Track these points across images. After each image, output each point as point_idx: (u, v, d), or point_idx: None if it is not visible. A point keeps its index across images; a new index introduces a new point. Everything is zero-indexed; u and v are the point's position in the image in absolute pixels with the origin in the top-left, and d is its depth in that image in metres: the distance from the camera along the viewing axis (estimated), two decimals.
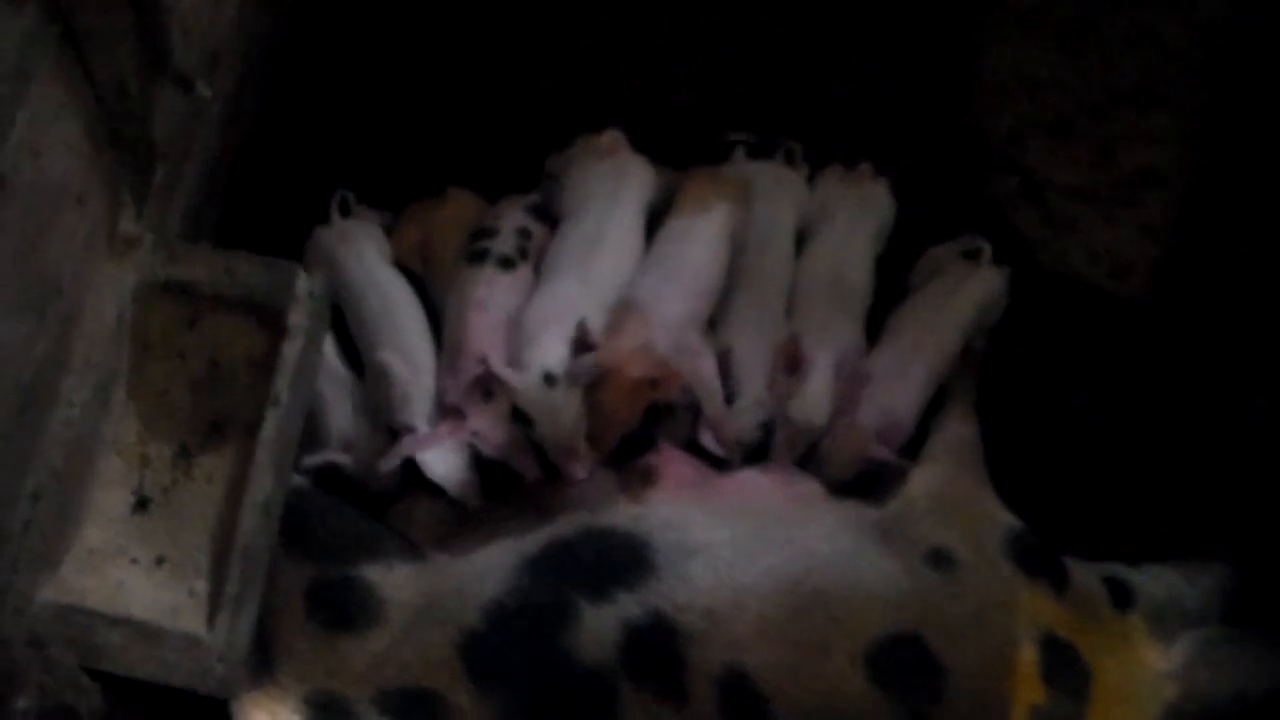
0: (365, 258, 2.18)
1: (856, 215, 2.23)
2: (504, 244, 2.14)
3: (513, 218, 2.19)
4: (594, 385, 1.95)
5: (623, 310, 2.03)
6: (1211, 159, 2.39)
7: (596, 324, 2.01)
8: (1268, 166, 2.34)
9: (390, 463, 1.98)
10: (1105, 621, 1.92)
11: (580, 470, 1.96)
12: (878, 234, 2.25)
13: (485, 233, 2.16)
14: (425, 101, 2.41)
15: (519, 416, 1.97)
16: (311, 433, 2.02)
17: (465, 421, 1.98)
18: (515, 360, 1.98)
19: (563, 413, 1.94)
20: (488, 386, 2.00)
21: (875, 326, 2.19)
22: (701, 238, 2.12)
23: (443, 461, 1.99)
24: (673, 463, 2.01)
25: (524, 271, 2.13)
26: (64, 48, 1.50)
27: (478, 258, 2.12)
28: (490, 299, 2.07)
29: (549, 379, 1.95)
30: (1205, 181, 2.38)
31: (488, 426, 1.98)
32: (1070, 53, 2.44)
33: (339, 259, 2.16)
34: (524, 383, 1.94)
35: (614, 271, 2.10)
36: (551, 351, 1.97)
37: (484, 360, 1.98)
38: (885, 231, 2.27)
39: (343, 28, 2.41)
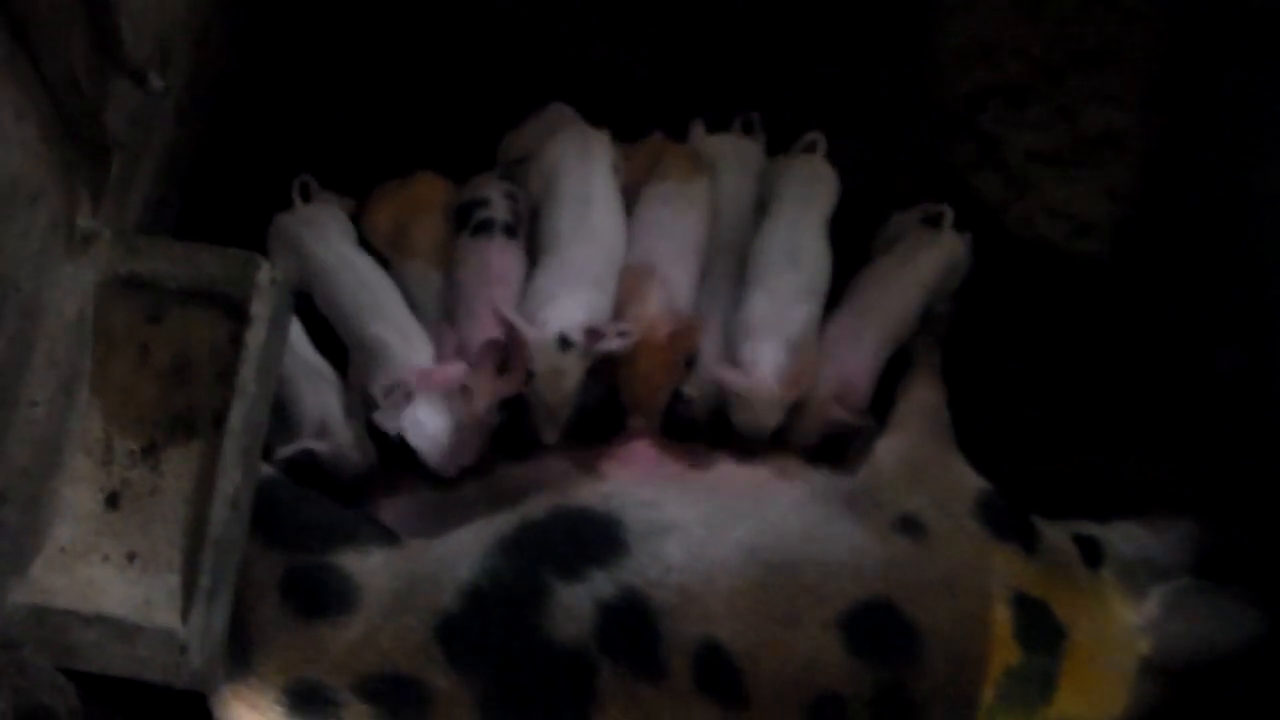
0: (332, 240, 2.18)
1: (805, 190, 2.22)
2: (502, 211, 2.16)
3: (496, 185, 2.20)
4: (628, 357, 1.99)
5: (636, 275, 2.06)
6: (1170, 119, 2.40)
7: (608, 284, 2.07)
8: (1225, 125, 2.35)
9: (389, 413, 1.99)
10: (1077, 579, 1.93)
11: (553, 436, 2.01)
12: (828, 208, 2.24)
13: (478, 203, 2.17)
14: (383, 84, 2.40)
15: (525, 372, 2.00)
16: (283, 422, 2.02)
17: (463, 371, 2.00)
18: (531, 317, 2.01)
19: (568, 377, 1.99)
20: (501, 355, 2.03)
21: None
22: (694, 203, 2.15)
23: (432, 421, 2.00)
24: (643, 445, 2.03)
25: (522, 238, 2.16)
26: (13, 44, 1.48)
27: (484, 229, 2.14)
28: (507, 269, 2.11)
29: (564, 342, 1.98)
30: (1165, 141, 2.39)
31: (481, 389, 2.00)
32: (1027, 16, 2.44)
33: (305, 243, 2.16)
34: (539, 339, 1.97)
35: (612, 225, 2.14)
36: (568, 313, 2.00)
37: (502, 319, 2.01)
38: (833, 205, 2.26)
39: (296, 13, 2.39)
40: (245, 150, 2.30)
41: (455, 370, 2.01)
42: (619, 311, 2.06)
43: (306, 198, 2.23)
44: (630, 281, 2.08)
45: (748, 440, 2.05)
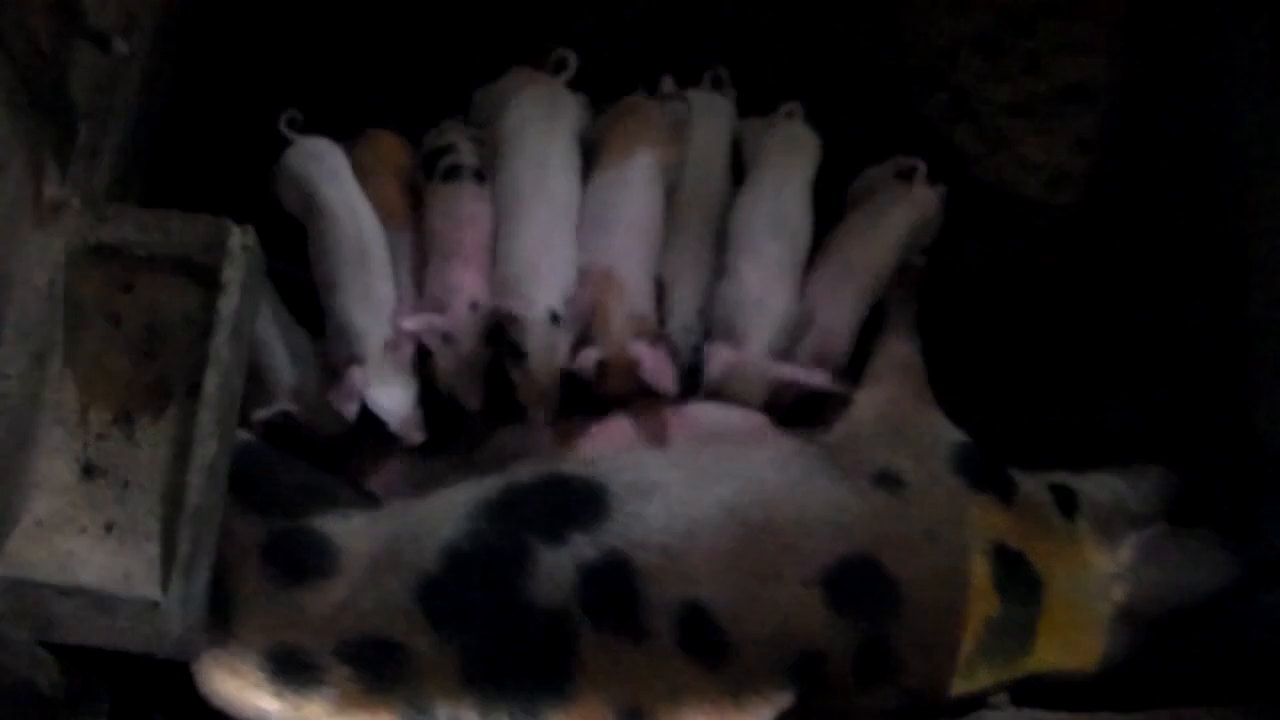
0: (342, 179, 2.14)
1: (787, 157, 2.21)
2: (469, 156, 2.14)
3: (460, 131, 2.19)
4: (596, 372, 1.98)
5: (595, 283, 2.03)
6: (1141, 68, 2.39)
7: (572, 238, 2.06)
8: (1196, 74, 2.35)
9: (342, 398, 1.96)
10: (1053, 528, 1.95)
11: (547, 416, 1.99)
12: (810, 173, 2.22)
13: (443, 150, 2.15)
14: (354, 46, 2.37)
15: (513, 350, 1.98)
16: (259, 386, 2.01)
17: (445, 317, 1.99)
18: (511, 290, 1.99)
19: (559, 352, 1.98)
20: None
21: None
22: (635, 184, 2.12)
23: (389, 397, 1.98)
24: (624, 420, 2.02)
25: (490, 184, 2.14)
26: None
27: (453, 174, 2.12)
28: (479, 213, 2.09)
29: (555, 318, 1.97)
30: (1135, 91, 2.39)
31: (465, 331, 2.00)
32: None
33: (311, 176, 2.13)
34: (533, 318, 1.97)
35: (569, 190, 2.12)
36: (551, 286, 2.00)
37: (479, 302, 2.01)
38: (815, 169, 2.24)
39: None
40: (214, 115, 2.27)
41: (431, 321, 2.00)
42: (582, 324, 2.02)
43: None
44: (590, 292, 2.03)
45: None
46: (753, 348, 2.02)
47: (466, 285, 2.03)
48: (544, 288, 2.00)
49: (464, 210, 2.08)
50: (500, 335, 2.01)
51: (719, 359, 2.01)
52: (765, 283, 2.07)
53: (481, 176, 2.13)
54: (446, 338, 2.00)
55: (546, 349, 1.97)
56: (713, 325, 2.08)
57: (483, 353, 2.02)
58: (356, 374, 1.97)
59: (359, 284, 2.05)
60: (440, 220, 2.10)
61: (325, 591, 1.81)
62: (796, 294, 2.11)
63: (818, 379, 2.03)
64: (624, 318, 2.01)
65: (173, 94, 2.17)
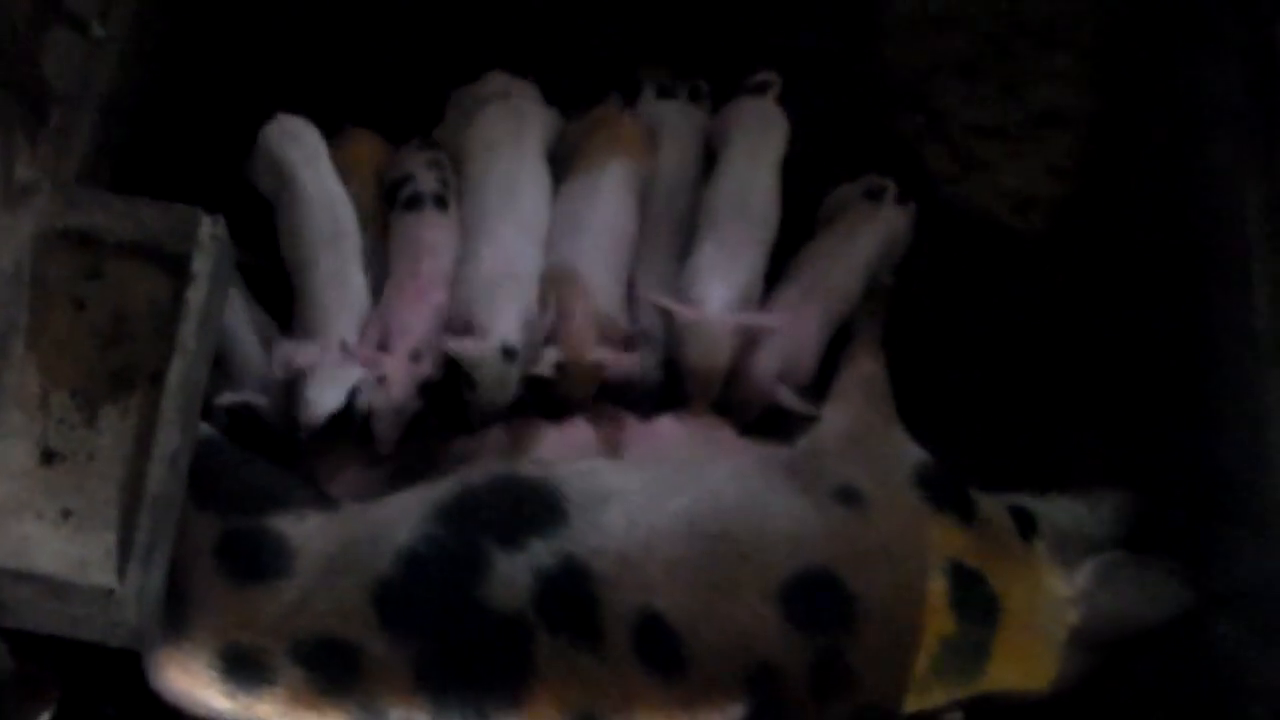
0: (319, 161, 2.13)
1: (756, 134, 2.21)
2: (429, 183, 2.12)
3: (417, 158, 2.17)
4: (557, 372, 1.98)
5: (561, 283, 2.03)
6: (1114, 96, 2.42)
7: (537, 263, 2.05)
8: (1169, 103, 2.38)
9: (278, 363, 1.96)
10: (1011, 550, 1.95)
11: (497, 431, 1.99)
12: (779, 153, 2.23)
13: (404, 180, 2.14)
14: (331, 40, 2.37)
15: (465, 379, 1.98)
16: (224, 375, 2.00)
17: (385, 358, 1.98)
18: (467, 321, 1.99)
19: (510, 385, 1.98)
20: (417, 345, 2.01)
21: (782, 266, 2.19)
22: (607, 191, 2.12)
23: (318, 391, 1.97)
24: (583, 422, 2.02)
25: (454, 207, 2.13)
26: None
27: (414, 204, 2.10)
28: (438, 242, 2.07)
29: (508, 353, 1.96)
30: (1109, 119, 2.41)
31: (398, 380, 1.98)
32: None
33: (288, 156, 2.12)
34: (483, 353, 1.95)
35: (537, 210, 2.11)
36: (508, 318, 1.98)
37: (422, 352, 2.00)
38: (784, 149, 2.24)
39: None
40: (188, 102, 2.26)
41: (372, 359, 1.99)
42: (546, 324, 2.02)
43: None
44: (554, 291, 2.04)
45: (690, 401, 2.05)
46: (710, 306, 2.01)
47: (414, 329, 2.01)
48: (501, 316, 1.98)
49: (424, 239, 2.07)
50: (453, 363, 2.01)
51: (677, 318, 2.01)
52: (723, 253, 2.06)
53: (443, 202, 2.12)
54: (381, 380, 1.98)
55: (497, 383, 1.97)
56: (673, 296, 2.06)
57: (414, 404, 2.01)
58: (301, 352, 1.96)
59: (332, 266, 2.04)
60: (398, 251, 2.09)
61: (279, 591, 1.79)
62: (761, 269, 2.11)
63: (778, 327, 2.04)
64: (587, 319, 2.00)
65: (148, 79, 2.16)
